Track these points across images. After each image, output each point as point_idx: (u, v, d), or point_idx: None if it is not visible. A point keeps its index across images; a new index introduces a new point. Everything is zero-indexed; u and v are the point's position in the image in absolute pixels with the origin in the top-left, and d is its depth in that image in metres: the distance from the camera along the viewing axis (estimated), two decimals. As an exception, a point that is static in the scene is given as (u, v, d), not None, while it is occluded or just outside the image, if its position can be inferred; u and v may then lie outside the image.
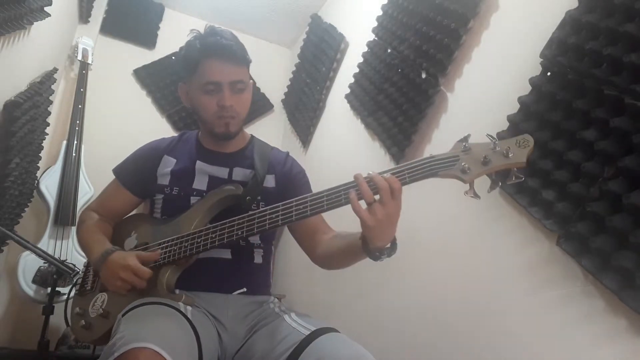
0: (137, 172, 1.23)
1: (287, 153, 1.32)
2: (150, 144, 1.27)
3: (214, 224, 1.03)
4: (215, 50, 1.10)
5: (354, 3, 2.72)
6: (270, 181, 1.20)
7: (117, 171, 1.25)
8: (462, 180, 0.83)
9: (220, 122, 1.13)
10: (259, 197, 1.15)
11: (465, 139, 0.86)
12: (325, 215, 1.05)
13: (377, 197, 0.84)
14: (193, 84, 1.14)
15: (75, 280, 1.55)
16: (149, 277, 1.01)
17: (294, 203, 0.94)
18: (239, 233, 0.98)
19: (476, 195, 0.83)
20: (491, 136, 0.84)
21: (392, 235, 0.90)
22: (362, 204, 0.86)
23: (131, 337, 0.76)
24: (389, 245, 0.90)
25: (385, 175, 0.85)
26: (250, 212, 0.99)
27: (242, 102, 1.15)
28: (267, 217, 0.96)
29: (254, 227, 0.97)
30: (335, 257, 1.10)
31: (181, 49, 1.19)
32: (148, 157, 1.23)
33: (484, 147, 0.84)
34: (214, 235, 1.01)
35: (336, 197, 0.89)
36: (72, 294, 1.26)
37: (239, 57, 1.13)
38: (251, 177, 1.16)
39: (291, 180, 1.24)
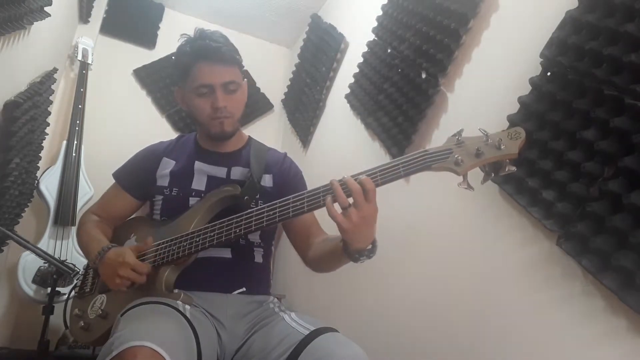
0: (136, 175, 1.24)
1: (285, 153, 1.33)
2: (148, 147, 1.29)
3: (212, 223, 1.04)
4: (204, 53, 1.12)
5: (354, 3, 2.71)
6: (268, 181, 1.21)
7: (116, 175, 1.27)
8: (455, 172, 0.84)
9: (214, 122, 1.15)
10: (258, 196, 1.15)
11: (459, 133, 0.87)
12: (317, 213, 1.06)
13: (351, 200, 0.85)
14: (187, 88, 1.17)
15: (75, 280, 1.55)
16: (148, 271, 1.01)
17: (291, 200, 0.94)
18: (237, 231, 0.98)
19: (470, 187, 0.84)
20: (483, 130, 0.85)
21: (371, 237, 0.92)
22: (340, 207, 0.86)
23: (129, 335, 0.76)
24: (369, 246, 0.93)
25: (360, 177, 0.86)
26: (248, 210, 1.00)
27: (236, 102, 1.17)
28: (265, 214, 0.96)
29: (251, 225, 0.97)
30: (323, 260, 1.12)
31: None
32: (147, 159, 1.24)
33: (476, 140, 0.85)
34: (212, 234, 1.01)
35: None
36: (71, 294, 1.26)
37: (228, 58, 1.15)
38: (248, 176, 1.17)
39: (289, 181, 1.24)
